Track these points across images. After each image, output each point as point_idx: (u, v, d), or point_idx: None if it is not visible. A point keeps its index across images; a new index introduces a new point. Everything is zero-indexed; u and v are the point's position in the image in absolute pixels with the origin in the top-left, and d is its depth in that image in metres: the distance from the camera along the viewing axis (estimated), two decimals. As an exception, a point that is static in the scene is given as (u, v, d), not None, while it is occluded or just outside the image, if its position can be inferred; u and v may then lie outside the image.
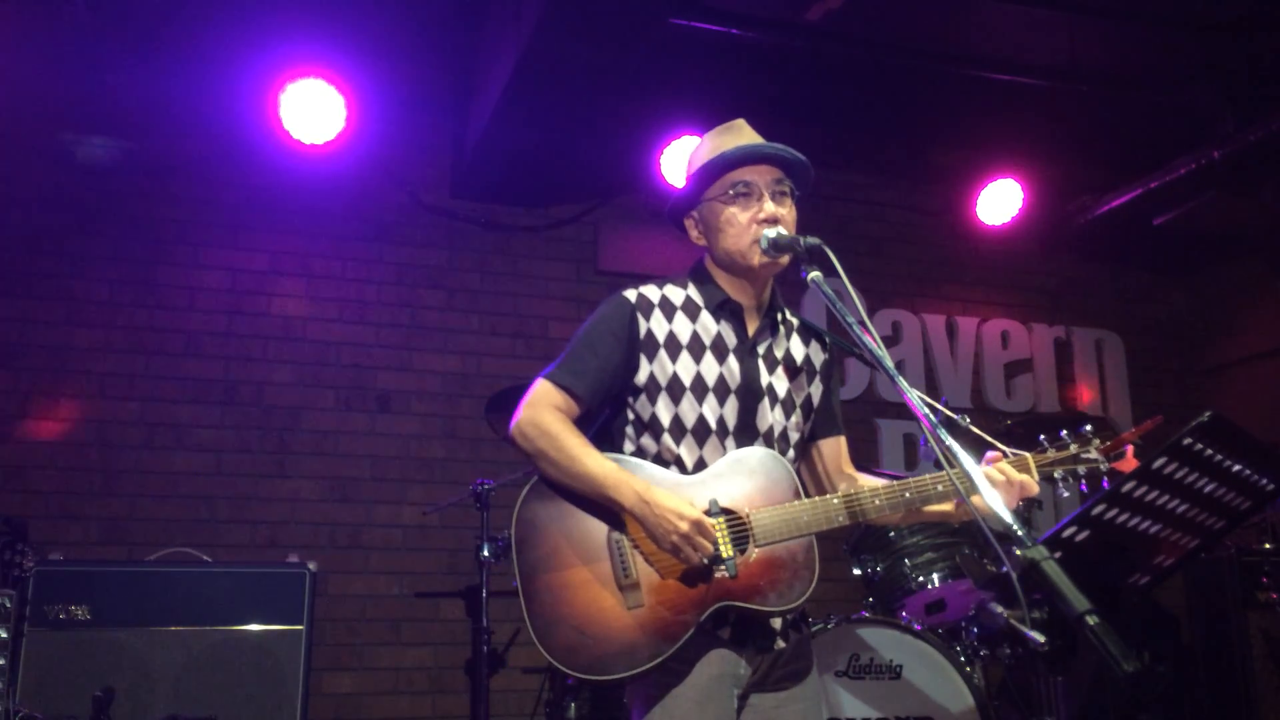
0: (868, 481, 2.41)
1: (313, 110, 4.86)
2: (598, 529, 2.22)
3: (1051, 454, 2.35)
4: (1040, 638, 2.57)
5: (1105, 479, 2.30)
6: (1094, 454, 2.33)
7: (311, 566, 4.16)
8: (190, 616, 3.95)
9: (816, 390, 2.46)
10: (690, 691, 2.16)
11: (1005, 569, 1.76)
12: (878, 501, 2.27)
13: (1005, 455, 2.35)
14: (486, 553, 4.07)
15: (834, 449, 2.51)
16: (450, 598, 4.93)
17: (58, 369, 4.71)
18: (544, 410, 2.27)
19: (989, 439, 2.35)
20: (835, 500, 2.25)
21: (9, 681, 3.27)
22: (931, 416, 2.00)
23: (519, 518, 2.25)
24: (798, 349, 2.46)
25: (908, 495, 2.28)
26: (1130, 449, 2.31)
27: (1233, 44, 5.19)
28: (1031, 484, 2.32)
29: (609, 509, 2.21)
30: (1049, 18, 5.03)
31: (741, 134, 2.43)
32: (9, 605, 3.23)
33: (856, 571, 4.15)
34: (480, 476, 4.23)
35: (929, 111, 5.82)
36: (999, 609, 3.62)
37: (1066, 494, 2.35)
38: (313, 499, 4.93)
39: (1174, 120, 5.63)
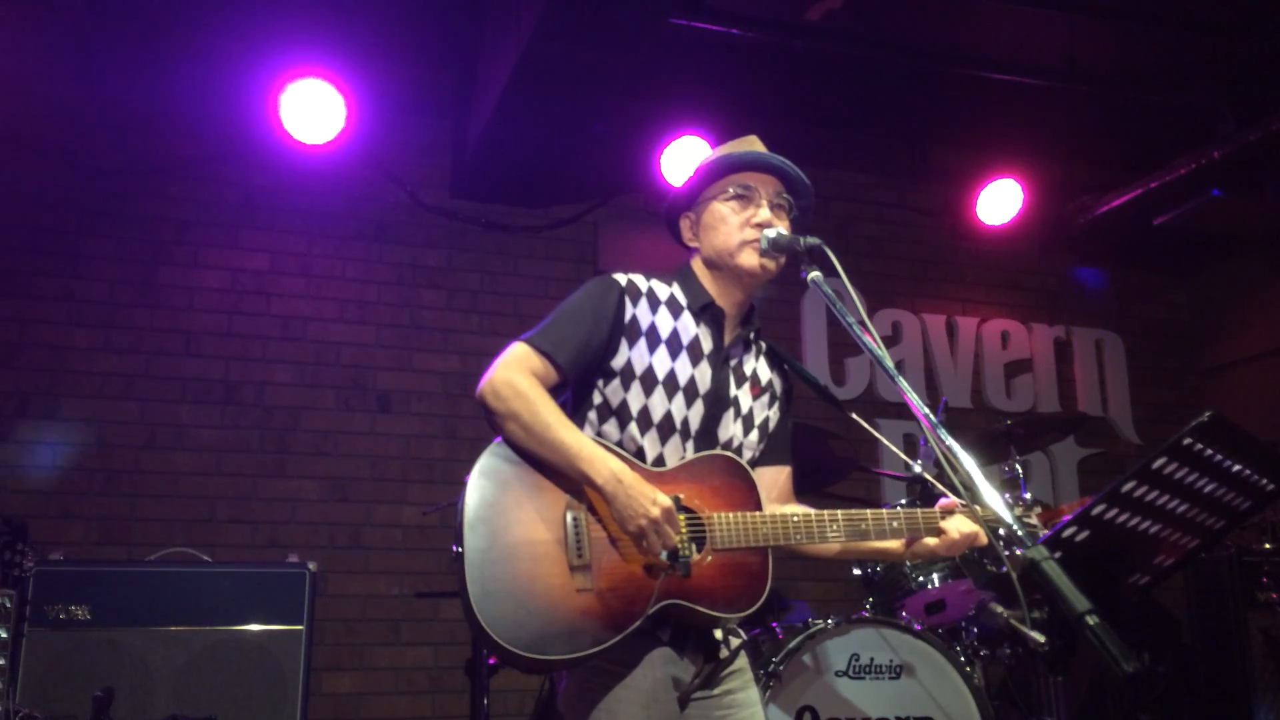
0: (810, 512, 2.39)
1: (313, 110, 4.85)
2: (556, 501, 2.14)
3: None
4: (1040, 638, 2.58)
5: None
6: (1034, 520, 2.44)
7: (311, 566, 4.16)
8: (190, 616, 3.95)
9: (774, 415, 2.47)
10: (634, 695, 2.12)
11: (1005, 569, 1.77)
12: (836, 528, 2.28)
13: (959, 505, 2.37)
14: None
15: (779, 477, 2.49)
16: (450, 598, 4.90)
17: (58, 369, 4.71)
18: (521, 373, 2.19)
19: (941, 487, 2.38)
20: (795, 518, 2.25)
21: (9, 681, 3.27)
22: (931, 416, 2.00)
23: (476, 473, 2.14)
24: (764, 371, 2.46)
25: (862, 526, 2.30)
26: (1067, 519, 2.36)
27: (1233, 44, 5.19)
28: (982, 536, 2.36)
29: (573, 484, 2.14)
30: (1049, 18, 5.03)
31: (753, 145, 2.43)
32: (9, 605, 3.23)
33: (856, 571, 4.15)
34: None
35: (929, 111, 5.82)
36: (999, 609, 3.63)
37: (1007, 553, 2.41)
38: (313, 499, 4.93)
39: (1174, 120, 5.63)
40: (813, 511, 2.32)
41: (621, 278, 2.35)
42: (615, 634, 2.06)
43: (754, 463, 2.41)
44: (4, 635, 3.18)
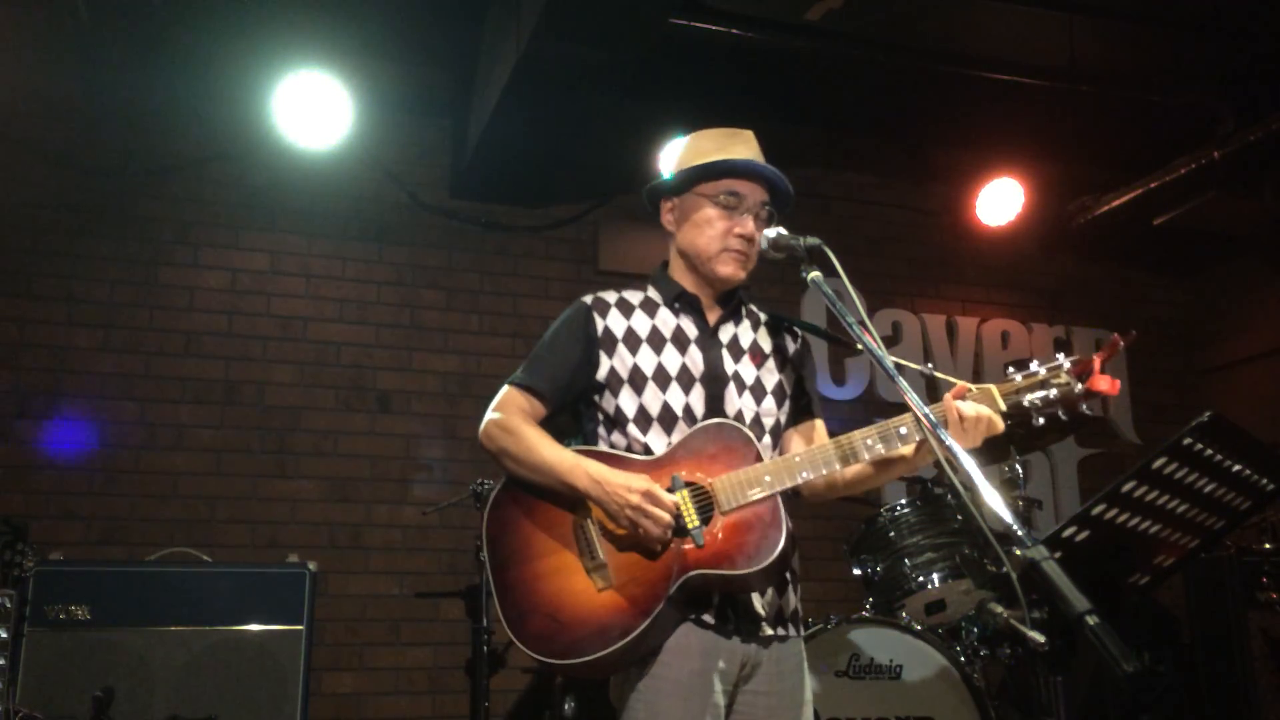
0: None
1: (313, 111, 4.85)
2: (563, 518, 2.25)
3: (1019, 380, 2.24)
4: (1040, 638, 2.57)
5: (1083, 401, 2.19)
6: (1064, 377, 2.20)
7: (311, 566, 4.16)
8: (190, 616, 3.95)
9: (789, 377, 2.48)
10: (672, 686, 2.16)
11: (1005, 569, 1.76)
12: (840, 451, 2.26)
13: (969, 390, 2.26)
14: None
15: (810, 432, 2.50)
16: (450, 598, 4.93)
17: (58, 369, 4.71)
18: (508, 412, 2.34)
19: (952, 379, 2.29)
20: (796, 457, 2.25)
21: (9, 681, 3.26)
22: (931, 416, 2.00)
23: (489, 516, 2.30)
24: (765, 339, 2.49)
25: (869, 442, 2.26)
26: (1098, 364, 2.19)
27: (1233, 44, 5.19)
28: (996, 421, 2.21)
29: (572, 497, 2.24)
30: (1049, 18, 5.02)
31: (749, 146, 2.46)
32: (9, 605, 3.23)
33: (856, 571, 4.15)
34: (480, 476, 4.23)
35: (929, 111, 5.81)
36: (999, 609, 3.63)
37: (1042, 420, 2.21)
38: (313, 499, 4.93)
39: (1174, 120, 5.62)
40: (815, 445, 2.32)
41: (588, 298, 2.45)
42: (643, 619, 2.12)
43: (785, 425, 2.45)
44: (4, 635, 3.18)
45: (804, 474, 2.23)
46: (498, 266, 5.44)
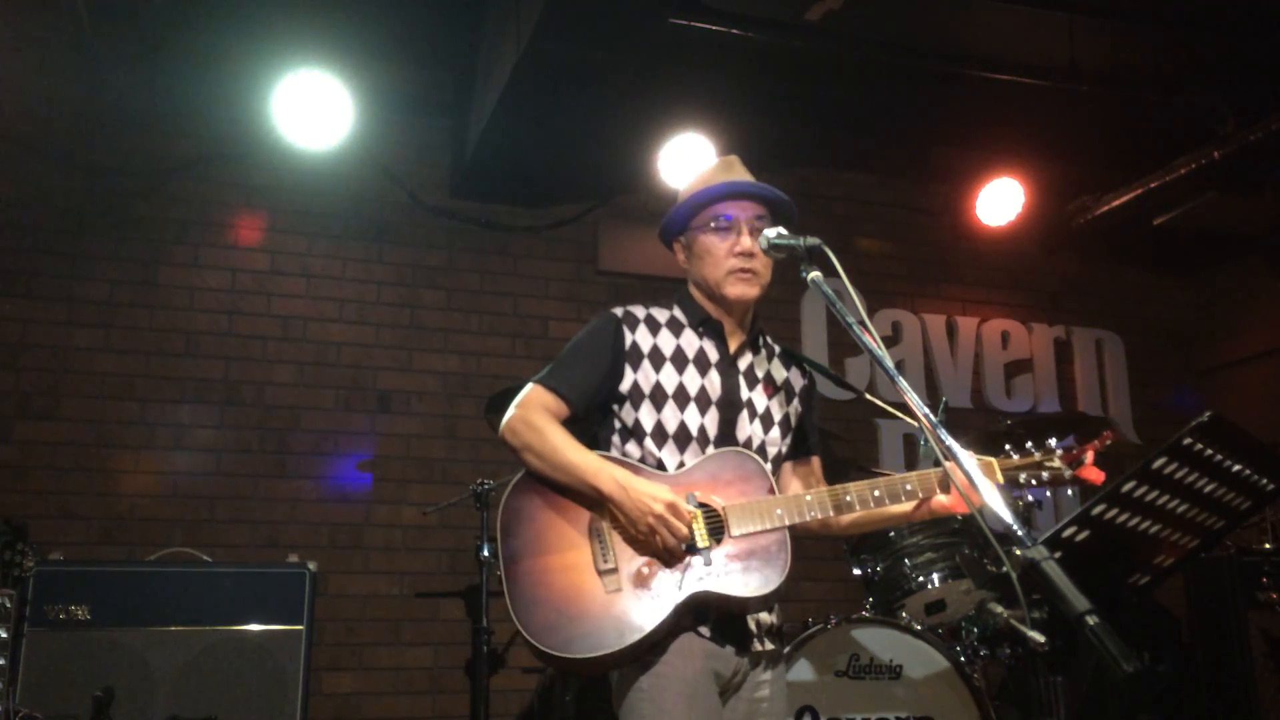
0: None
1: (313, 110, 4.84)
2: (580, 517, 2.31)
3: (1016, 460, 2.43)
4: (1040, 638, 2.58)
5: (1070, 485, 2.40)
6: (1057, 462, 2.39)
7: (311, 566, 4.16)
8: (190, 616, 3.95)
9: (795, 411, 2.57)
10: (679, 685, 2.23)
11: (1005, 569, 1.77)
12: (848, 498, 2.36)
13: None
14: (486, 553, 4.06)
15: (808, 468, 2.61)
16: (450, 598, 4.93)
17: (58, 369, 4.71)
18: (533, 409, 2.38)
19: (956, 447, 2.40)
20: (808, 497, 2.35)
21: (9, 681, 3.26)
22: (931, 416, 2.01)
23: (505, 506, 2.34)
24: (778, 371, 2.58)
25: (876, 494, 2.37)
26: (1090, 456, 2.38)
27: (1233, 44, 5.19)
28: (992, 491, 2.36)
29: (591, 498, 2.30)
30: (1049, 18, 5.03)
31: (731, 171, 2.55)
32: (9, 605, 3.22)
33: (856, 571, 4.15)
34: (480, 476, 4.23)
35: (929, 111, 5.81)
36: (999, 609, 3.63)
37: (1031, 498, 2.38)
38: (313, 499, 4.93)
39: (1174, 120, 5.62)
40: (825, 488, 2.42)
41: (619, 310, 2.51)
42: (646, 627, 2.19)
43: (784, 457, 2.53)
44: (4, 635, 3.18)
45: (812, 514, 2.35)
46: (498, 266, 5.44)
